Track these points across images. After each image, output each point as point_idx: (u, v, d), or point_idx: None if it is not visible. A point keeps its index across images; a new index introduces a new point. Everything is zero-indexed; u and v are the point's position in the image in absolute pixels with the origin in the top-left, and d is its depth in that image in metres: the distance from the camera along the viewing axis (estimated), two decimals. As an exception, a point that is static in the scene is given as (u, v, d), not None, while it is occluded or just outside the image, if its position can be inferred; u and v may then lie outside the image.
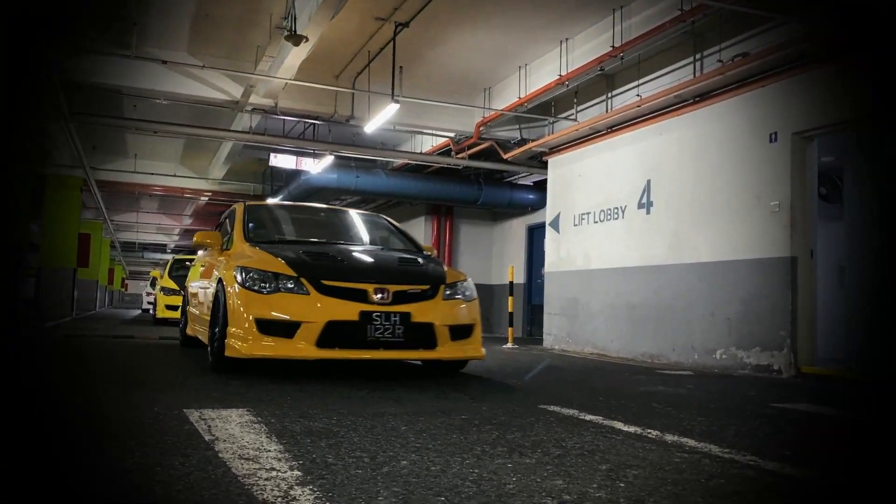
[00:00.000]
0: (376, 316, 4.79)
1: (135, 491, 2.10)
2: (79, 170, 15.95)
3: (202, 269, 6.82)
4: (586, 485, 2.29)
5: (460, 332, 5.17)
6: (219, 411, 3.45)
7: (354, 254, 5.63)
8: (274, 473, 2.27)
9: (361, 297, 4.83)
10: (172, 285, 14.52)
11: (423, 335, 4.97)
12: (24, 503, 1.96)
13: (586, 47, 10.09)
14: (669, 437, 3.20)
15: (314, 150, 13.44)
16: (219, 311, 5.24)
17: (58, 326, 12.23)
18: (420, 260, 5.72)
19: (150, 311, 20.21)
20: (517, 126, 12.38)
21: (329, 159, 13.67)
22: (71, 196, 17.34)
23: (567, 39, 10.41)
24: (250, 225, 6.11)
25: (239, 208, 6.45)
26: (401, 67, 10.55)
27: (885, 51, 6.43)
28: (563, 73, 10.17)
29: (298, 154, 13.91)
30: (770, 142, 7.50)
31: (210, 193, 19.87)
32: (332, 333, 4.70)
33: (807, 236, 7.24)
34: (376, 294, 4.87)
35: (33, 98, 10.34)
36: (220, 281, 5.33)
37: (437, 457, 2.61)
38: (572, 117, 10.84)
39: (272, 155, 13.93)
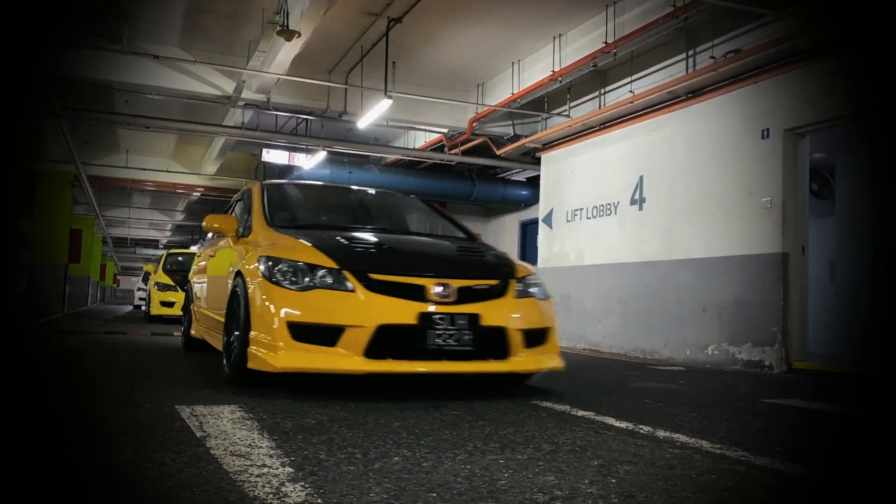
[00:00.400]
0: (439, 318, 3.86)
1: (126, 487, 2.10)
2: (70, 165, 15.88)
3: (212, 260, 5.84)
4: (578, 480, 2.29)
5: (535, 337, 4.23)
6: (210, 408, 3.44)
7: (403, 241, 4.72)
8: (265, 470, 2.27)
9: (418, 294, 3.90)
10: (167, 280, 13.87)
11: (495, 342, 4.03)
12: (14, 499, 1.95)
13: (579, 43, 10.09)
14: (661, 433, 3.21)
15: (307, 145, 13.41)
16: (237, 311, 4.29)
17: (49, 322, 12.18)
18: (480, 248, 4.85)
19: (143, 308, 19.41)
20: (510, 122, 12.38)
21: (321, 155, 13.64)
22: (62, 191, 17.26)
23: (560, 35, 10.41)
24: (272, 207, 5.07)
25: (256, 188, 5.43)
26: (394, 63, 10.53)
27: (877, 47, 6.45)
28: (556, 69, 10.17)
29: (291, 149, 13.88)
30: (762, 138, 7.52)
31: (202, 189, 19.81)
32: (384, 340, 3.77)
33: (798, 232, 7.27)
34: (437, 291, 3.94)
35: (23, 93, 10.28)
36: (238, 275, 4.40)
37: (428, 453, 2.61)
38: (565, 113, 10.85)
39: (265, 150, 13.89)
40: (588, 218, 10.33)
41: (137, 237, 35.30)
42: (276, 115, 12.88)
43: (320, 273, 3.92)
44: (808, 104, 7.10)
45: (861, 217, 7.89)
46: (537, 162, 12.05)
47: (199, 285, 6.39)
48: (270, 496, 1.98)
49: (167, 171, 18.71)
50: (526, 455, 2.64)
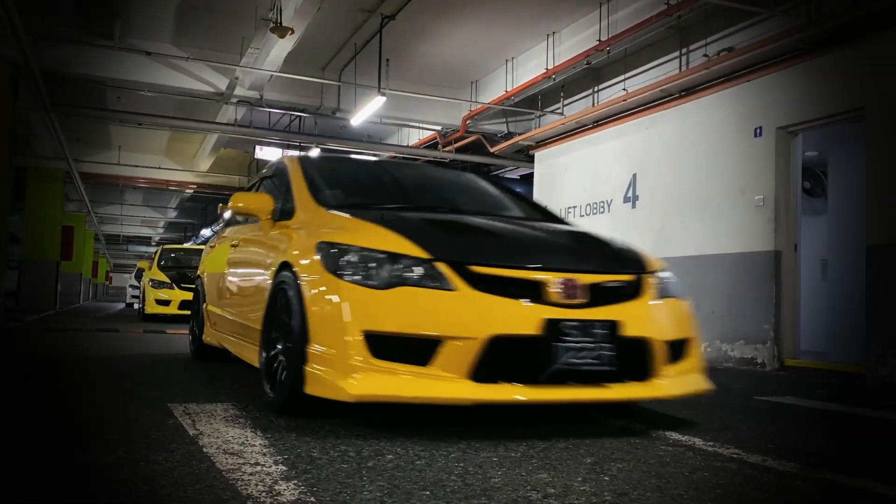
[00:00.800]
0: (570, 328, 2.90)
1: (118, 486, 2.09)
2: (62, 161, 15.81)
3: (237, 250, 4.71)
4: (571, 478, 2.29)
5: (677, 350, 3.26)
6: (203, 406, 3.44)
7: (497, 224, 3.69)
8: (258, 468, 2.26)
9: (536, 294, 2.95)
10: (163, 277, 13.19)
11: (635, 359, 3.08)
12: (5, 499, 1.94)
13: (573, 41, 10.10)
14: (654, 431, 3.22)
15: (300, 142, 13.40)
16: (284, 317, 3.31)
17: (40, 320, 12.13)
18: (595, 234, 3.92)
19: (136, 307, 18.74)
20: (504, 119, 12.39)
21: (315, 152, 13.62)
22: (54, 188, 17.18)
23: (554, 33, 10.41)
24: (317, 183, 4.05)
25: (291, 162, 4.40)
26: (387, 60, 10.52)
27: (870, 45, 6.47)
28: (550, 66, 10.17)
29: (284, 146, 13.86)
30: (755, 136, 7.55)
31: (195, 186, 19.77)
32: (498, 357, 2.82)
33: (791, 230, 7.30)
34: (562, 289, 2.98)
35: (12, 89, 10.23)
36: (284, 267, 3.38)
37: (422, 451, 2.61)
38: (559, 111, 10.86)
39: (258, 147, 13.85)
40: (582, 216, 10.34)
41: (130, 234, 35.18)
42: (270, 111, 12.86)
43: (406, 265, 2.94)
44: (801, 102, 7.12)
45: (853, 215, 7.92)
46: (531, 159, 12.06)
47: (216, 282, 5.18)
48: (263, 494, 1.98)
49: (159, 168, 18.66)
50: (519, 452, 2.65)
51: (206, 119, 13.20)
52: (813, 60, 7.00)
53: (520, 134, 11.88)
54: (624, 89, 9.44)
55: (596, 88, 10.30)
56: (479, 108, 11.76)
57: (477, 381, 2.80)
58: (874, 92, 6.41)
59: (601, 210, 9.91)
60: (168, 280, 12.96)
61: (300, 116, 13.29)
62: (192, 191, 20.61)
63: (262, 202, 4.07)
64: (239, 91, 11.07)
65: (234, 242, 4.83)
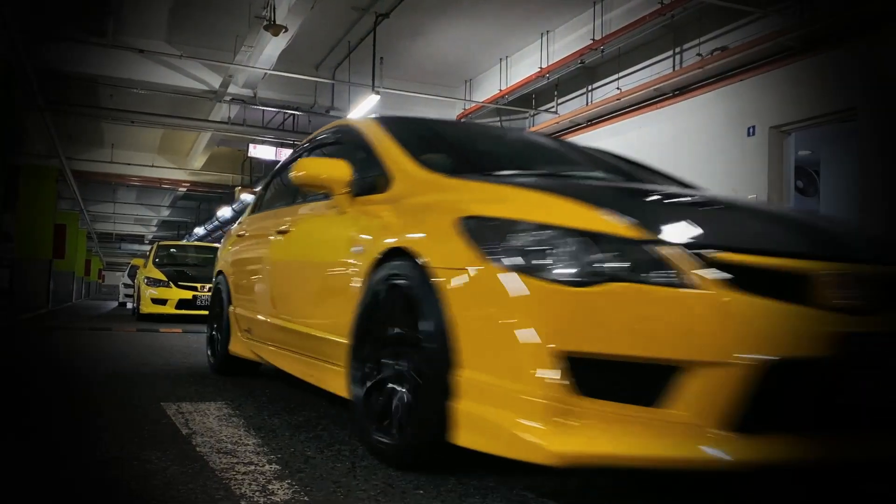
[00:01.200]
0: (871, 345, 1.92)
1: (111, 486, 2.09)
2: (54, 159, 15.75)
3: (296, 235, 3.61)
4: (551, 476, 2.30)
5: None
6: (196, 405, 3.42)
7: (695, 194, 2.65)
8: (252, 467, 2.26)
9: (800, 292, 1.88)
10: (159, 275, 12.45)
11: None
12: (-2, 499, 1.94)
13: (567, 40, 10.11)
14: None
15: (294, 140, 13.37)
16: (397, 326, 2.41)
17: (33, 318, 12.08)
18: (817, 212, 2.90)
19: (129, 306, 17.49)
20: (498, 118, 12.40)
21: (309, 150, 13.58)
22: (46, 186, 17.12)
23: (548, 32, 10.42)
24: (413, 146, 3.00)
25: (368, 124, 3.38)
26: (381, 58, 10.51)
27: (863, 45, 6.50)
28: (544, 65, 10.19)
29: (278, 145, 13.84)
30: (748, 135, 7.57)
31: (188, 184, 19.73)
32: (770, 395, 1.80)
33: (783, 229, 7.32)
34: (848, 286, 1.93)
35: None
36: (395, 255, 2.46)
37: (416, 450, 2.61)
38: (553, 110, 10.87)
39: (251, 146, 13.83)
40: (575, 214, 10.36)
41: (122, 232, 35.09)
42: (263, 110, 12.83)
43: (615, 249, 1.90)
44: (793, 102, 7.15)
45: (846, 214, 7.96)
46: (525, 158, 12.05)
47: (254, 278, 4.18)
48: (257, 494, 1.98)
49: (152, 166, 18.62)
50: (513, 451, 2.64)
51: (200, 117, 13.17)
52: (805, 60, 7.02)
53: (514, 132, 11.86)
54: (618, 88, 9.45)
55: (590, 87, 10.31)
56: (474, 106, 11.77)
57: (738, 431, 1.79)
58: (866, 92, 6.44)
59: (595, 209, 9.92)
60: (164, 278, 12.53)
61: (294, 114, 13.26)
62: (185, 189, 20.56)
63: (337, 169, 3.03)
64: (232, 89, 11.05)
65: (283, 227, 3.74)
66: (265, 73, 10.21)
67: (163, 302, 12.07)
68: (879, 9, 6.24)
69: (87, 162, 17.76)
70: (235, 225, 5.09)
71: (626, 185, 2.82)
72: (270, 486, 2.05)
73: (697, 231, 2.00)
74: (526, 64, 11.00)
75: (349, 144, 3.46)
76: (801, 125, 7.22)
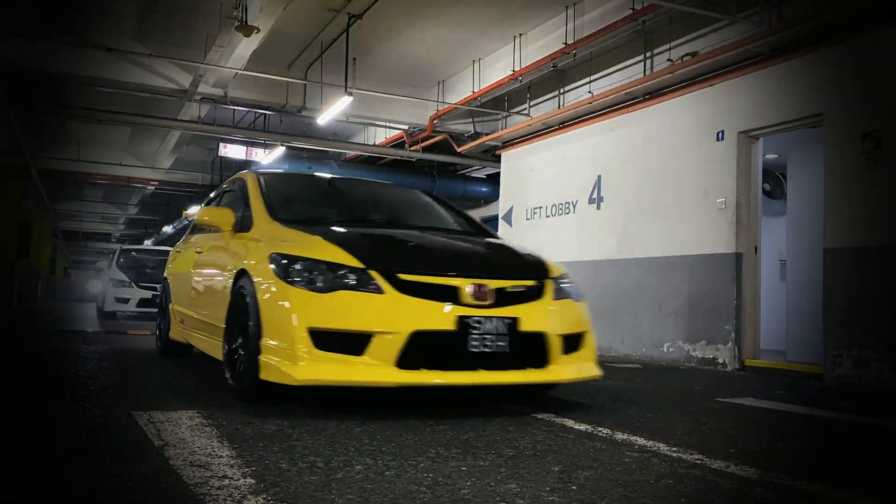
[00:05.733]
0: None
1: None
2: (19, 157, 15.42)
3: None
4: (539, 488, 2.32)
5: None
6: (168, 413, 3.39)
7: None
8: (226, 482, 2.24)
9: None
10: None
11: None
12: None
13: (539, 43, 10.16)
14: (619, 436, 3.26)
15: (265, 140, 13.26)
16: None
17: (-3, 320, 11.84)
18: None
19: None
20: (471, 119, 12.41)
21: (280, 150, 13.50)
22: (10, 184, 16.74)
23: (520, 35, 10.46)
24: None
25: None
26: (354, 59, 10.46)
27: (829, 53, 6.62)
28: (517, 68, 10.23)
29: (249, 144, 13.71)
30: (717, 140, 7.68)
31: (157, 182, 19.45)
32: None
33: (751, 233, 7.44)
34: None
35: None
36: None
37: (391, 460, 2.62)
38: (525, 112, 10.91)
39: (221, 145, 13.68)
40: (547, 216, 10.42)
41: (89, 231, 34.48)
42: (234, 109, 12.71)
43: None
44: (762, 107, 7.26)
45: (811, 216, 8.11)
46: (498, 159, 12.10)
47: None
48: (232, 510, 1.97)
49: (120, 165, 18.33)
50: (488, 461, 2.66)
51: (169, 116, 12.98)
52: (773, 66, 7.14)
53: (487, 134, 11.91)
54: (590, 92, 9.52)
55: (562, 90, 10.37)
56: (447, 108, 11.78)
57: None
58: (832, 99, 6.56)
59: (566, 211, 9.99)
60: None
61: (265, 114, 13.16)
62: (153, 188, 20.28)
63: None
64: (202, 88, 10.91)
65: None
66: (236, 73, 10.11)
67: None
68: (843, 18, 6.37)
69: (53, 160, 17.41)
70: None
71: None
72: (246, 502, 2.04)
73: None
74: (499, 66, 11.03)
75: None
76: (769, 130, 7.33)
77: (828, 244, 6.50)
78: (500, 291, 3.69)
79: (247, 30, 7.94)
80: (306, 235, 3.93)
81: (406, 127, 13.07)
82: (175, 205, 24.03)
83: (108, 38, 10.33)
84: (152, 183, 19.59)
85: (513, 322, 3.62)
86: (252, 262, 3.92)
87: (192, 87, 10.90)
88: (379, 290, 3.48)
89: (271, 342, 3.54)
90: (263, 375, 3.54)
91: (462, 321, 3.49)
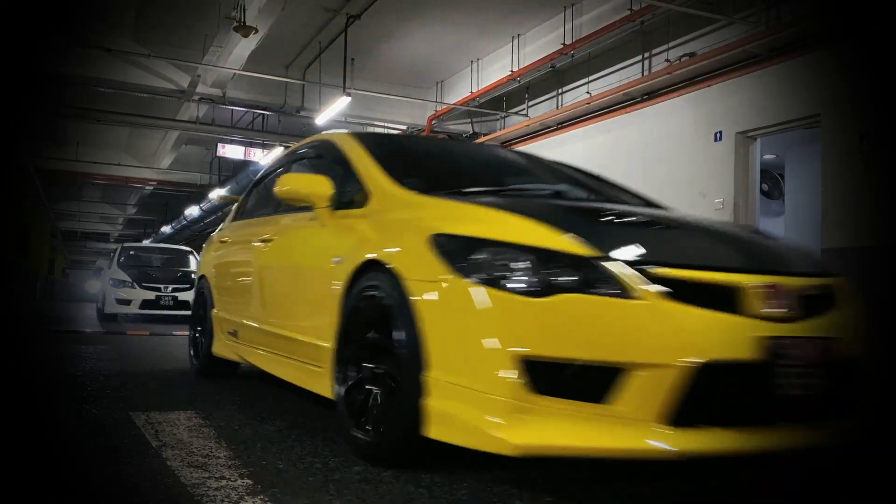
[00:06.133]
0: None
1: (80, 504, 2.07)
2: (18, 157, 15.41)
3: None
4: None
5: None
6: (166, 414, 3.39)
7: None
8: (224, 482, 2.25)
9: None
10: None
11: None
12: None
13: (537, 44, 10.17)
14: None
15: (263, 140, 13.27)
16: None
17: (-5, 320, 11.83)
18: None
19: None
20: (469, 120, 12.43)
21: (278, 150, 13.50)
22: (9, 184, 16.73)
23: (519, 35, 10.48)
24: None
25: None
26: (352, 59, 10.48)
27: (826, 54, 6.64)
28: (515, 68, 10.24)
29: (247, 144, 13.72)
30: (715, 140, 7.69)
31: (155, 182, 19.47)
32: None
33: (749, 233, 7.44)
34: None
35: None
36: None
37: (389, 461, 2.62)
38: (523, 112, 10.93)
39: (220, 145, 13.70)
40: (546, 216, 10.42)
41: (88, 231, 34.46)
42: (233, 109, 12.71)
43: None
44: (759, 108, 7.28)
45: (808, 217, 8.13)
46: (496, 160, 12.10)
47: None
48: (230, 511, 1.97)
49: (119, 165, 18.34)
50: (484, 461, 2.67)
51: (167, 116, 13.00)
52: (771, 67, 7.15)
53: (485, 134, 11.92)
54: (587, 92, 9.54)
55: (560, 91, 10.39)
56: (445, 108, 11.79)
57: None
58: (829, 99, 6.58)
59: (565, 211, 10.00)
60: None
61: (263, 114, 13.16)
62: (152, 188, 20.29)
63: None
64: (201, 88, 10.94)
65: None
66: (234, 73, 10.12)
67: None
68: (841, 20, 6.39)
69: (51, 160, 17.40)
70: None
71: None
72: (243, 503, 2.05)
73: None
74: (497, 67, 11.04)
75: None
76: (766, 131, 7.35)
77: (826, 244, 6.51)
78: (804, 295, 2.31)
79: (245, 30, 7.95)
80: (478, 207, 2.58)
81: (404, 127, 13.08)
82: (173, 205, 24.05)
83: (107, 38, 10.34)
84: (151, 183, 19.60)
85: (828, 344, 2.26)
86: (393, 249, 2.60)
87: (190, 87, 10.92)
88: (628, 294, 2.10)
89: (448, 379, 2.24)
90: (435, 432, 2.27)
91: (767, 345, 2.12)
